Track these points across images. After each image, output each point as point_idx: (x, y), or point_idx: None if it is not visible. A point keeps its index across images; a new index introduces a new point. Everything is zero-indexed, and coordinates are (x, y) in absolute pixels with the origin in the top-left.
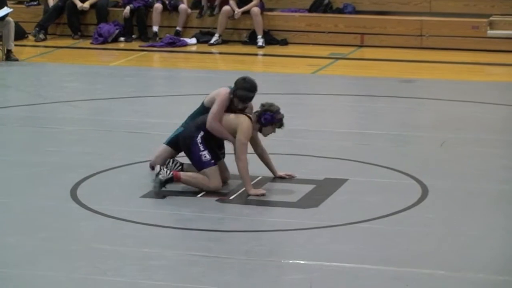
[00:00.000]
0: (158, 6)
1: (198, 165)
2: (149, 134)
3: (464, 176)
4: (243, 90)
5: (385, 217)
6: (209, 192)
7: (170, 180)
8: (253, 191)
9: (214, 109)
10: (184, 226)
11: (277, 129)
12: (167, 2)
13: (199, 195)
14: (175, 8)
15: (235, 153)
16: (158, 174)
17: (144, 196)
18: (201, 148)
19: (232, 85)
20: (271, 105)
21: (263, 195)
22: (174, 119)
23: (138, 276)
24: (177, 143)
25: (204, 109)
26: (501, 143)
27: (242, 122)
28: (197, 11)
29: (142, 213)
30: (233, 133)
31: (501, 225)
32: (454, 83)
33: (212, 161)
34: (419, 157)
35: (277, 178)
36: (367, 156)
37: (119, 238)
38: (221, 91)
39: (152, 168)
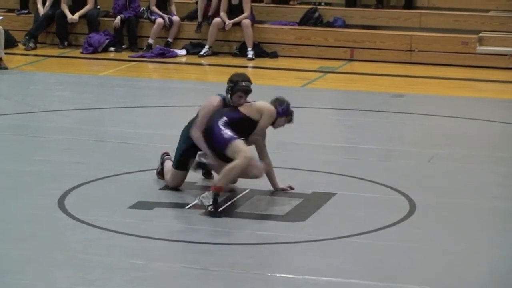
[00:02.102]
0: (160, 21)
1: (222, 142)
2: (138, 145)
3: (452, 192)
4: (244, 82)
5: (372, 232)
6: (197, 205)
7: (216, 197)
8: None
9: (199, 118)
10: (171, 238)
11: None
12: (167, 19)
13: (187, 207)
14: (171, 22)
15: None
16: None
17: (132, 207)
18: (222, 128)
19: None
20: (284, 98)
21: None
22: (163, 130)
23: (124, 287)
24: (185, 163)
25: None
26: (490, 160)
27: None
28: (190, 22)
29: (130, 224)
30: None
31: (490, 242)
32: (444, 99)
33: (235, 136)
34: (408, 172)
35: (278, 191)
36: (355, 170)
37: (106, 249)
38: (208, 99)
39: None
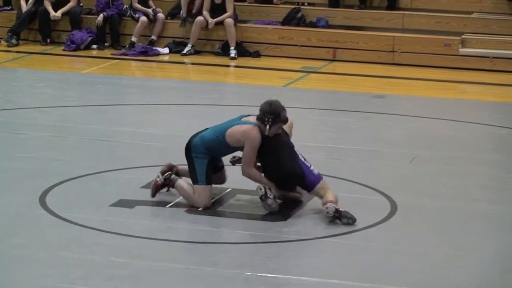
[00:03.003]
0: (144, 19)
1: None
2: (119, 143)
3: (434, 193)
4: (282, 112)
5: (353, 233)
6: (179, 203)
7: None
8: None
9: (247, 155)
10: (152, 236)
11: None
12: (152, 13)
13: (168, 205)
14: (156, 16)
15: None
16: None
17: (113, 205)
18: (307, 164)
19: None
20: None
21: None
22: (145, 128)
23: (105, 285)
24: (211, 177)
25: (221, 142)
26: (472, 162)
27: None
28: (173, 21)
29: (111, 222)
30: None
31: (471, 244)
32: (426, 100)
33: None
34: (389, 173)
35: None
36: (337, 170)
37: (87, 247)
38: (249, 133)
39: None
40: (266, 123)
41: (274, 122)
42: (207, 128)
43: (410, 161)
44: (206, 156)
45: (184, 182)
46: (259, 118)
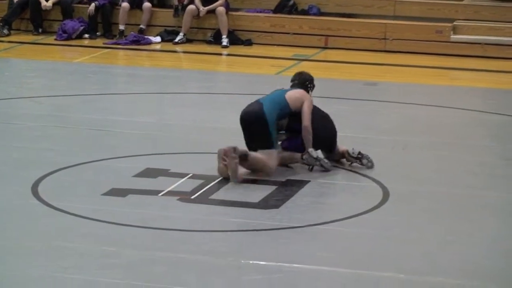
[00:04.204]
0: (125, 5)
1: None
2: (112, 132)
3: (426, 180)
4: (313, 80)
5: (345, 219)
6: (171, 192)
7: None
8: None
9: (307, 113)
10: (145, 225)
11: None
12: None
13: (160, 194)
14: (139, 6)
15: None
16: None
17: (106, 194)
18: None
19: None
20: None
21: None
22: (137, 117)
23: (98, 273)
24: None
25: (283, 104)
26: (464, 148)
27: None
28: (165, 9)
29: (104, 211)
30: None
31: (463, 230)
32: (418, 87)
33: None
34: (382, 160)
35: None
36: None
37: (79, 236)
38: (306, 94)
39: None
40: (308, 88)
41: (313, 87)
42: (257, 100)
43: (402, 148)
44: (275, 121)
45: (255, 153)
46: (302, 85)
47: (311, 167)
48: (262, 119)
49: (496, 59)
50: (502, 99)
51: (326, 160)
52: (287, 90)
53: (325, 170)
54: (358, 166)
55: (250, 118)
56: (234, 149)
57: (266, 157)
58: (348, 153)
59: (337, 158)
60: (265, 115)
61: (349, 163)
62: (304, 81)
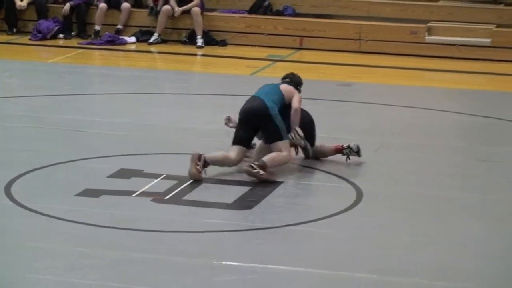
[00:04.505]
0: (103, 6)
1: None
2: (86, 132)
3: (400, 181)
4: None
5: (319, 220)
6: (145, 192)
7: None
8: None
9: (299, 99)
10: (118, 225)
11: None
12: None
13: (134, 195)
14: (116, 6)
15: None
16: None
17: (79, 194)
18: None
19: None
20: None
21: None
22: (112, 117)
23: (72, 275)
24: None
25: (280, 95)
26: (438, 149)
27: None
28: (139, 9)
29: (77, 211)
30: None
31: (437, 231)
32: (392, 88)
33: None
34: (355, 161)
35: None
36: (304, 159)
37: (52, 236)
38: (294, 92)
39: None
40: (298, 90)
41: (300, 91)
42: (254, 96)
43: (377, 149)
44: (279, 113)
45: (271, 154)
46: (294, 86)
47: (296, 151)
48: (267, 114)
49: (471, 60)
50: (477, 100)
51: (309, 146)
52: (278, 84)
53: (307, 155)
54: (342, 163)
55: (255, 114)
56: (199, 156)
57: (278, 150)
58: (350, 148)
59: (328, 155)
60: (268, 109)
61: (346, 156)
62: (297, 83)
